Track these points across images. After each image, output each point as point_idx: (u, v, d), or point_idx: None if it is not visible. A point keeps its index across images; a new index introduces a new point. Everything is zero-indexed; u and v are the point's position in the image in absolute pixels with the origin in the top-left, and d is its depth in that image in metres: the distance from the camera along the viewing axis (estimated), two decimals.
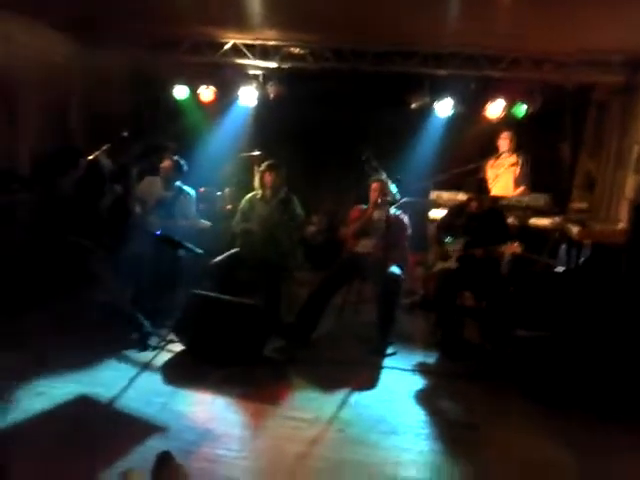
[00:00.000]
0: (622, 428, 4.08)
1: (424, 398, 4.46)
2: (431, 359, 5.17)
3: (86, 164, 5.77)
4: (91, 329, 5.02)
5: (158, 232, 5.52)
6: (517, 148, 6.89)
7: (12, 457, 3.20)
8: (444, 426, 4.04)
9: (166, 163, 6.05)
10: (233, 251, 5.61)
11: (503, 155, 6.89)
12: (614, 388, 4.33)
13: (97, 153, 6.10)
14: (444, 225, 5.71)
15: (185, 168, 6.12)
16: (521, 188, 6.68)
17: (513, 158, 6.85)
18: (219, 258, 5.49)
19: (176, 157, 6.15)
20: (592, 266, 5.20)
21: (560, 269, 5.87)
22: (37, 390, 4.06)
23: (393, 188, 5.74)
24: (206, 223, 6.20)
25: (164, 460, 3.07)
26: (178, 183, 6.07)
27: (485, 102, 7.12)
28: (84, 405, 3.97)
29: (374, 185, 5.68)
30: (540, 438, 3.89)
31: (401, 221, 5.72)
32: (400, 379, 4.73)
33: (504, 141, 6.86)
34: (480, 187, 5.57)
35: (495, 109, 7.06)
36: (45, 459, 3.32)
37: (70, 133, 7.44)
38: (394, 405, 4.25)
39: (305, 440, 3.67)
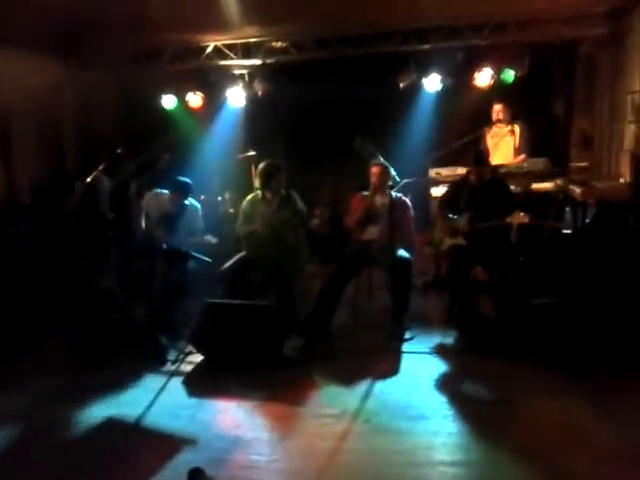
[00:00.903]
0: None
1: (447, 379, 4.48)
2: (449, 338, 5.18)
3: (82, 187, 5.78)
4: (107, 349, 5.03)
5: (165, 246, 5.54)
6: (514, 117, 6.82)
7: None
8: (471, 405, 4.05)
9: (173, 196, 5.87)
10: (241, 255, 5.59)
11: (500, 124, 6.84)
12: (633, 345, 4.32)
13: (95, 174, 6.11)
14: (446, 201, 5.68)
15: (191, 188, 5.93)
16: (521, 157, 6.64)
17: (511, 127, 6.80)
18: (228, 264, 5.47)
19: (182, 180, 5.96)
20: (599, 225, 5.17)
21: (567, 231, 5.84)
22: (64, 417, 4.07)
23: (392, 171, 5.71)
24: (212, 240, 6.07)
25: (195, 477, 3.09)
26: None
27: (473, 72, 7.07)
28: (111, 427, 3.99)
29: (373, 169, 5.64)
30: (568, 404, 3.90)
31: (404, 203, 5.69)
32: (421, 362, 4.74)
33: (498, 113, 6.79)
34: (478, 158, 5.52)
35: (483, 78, 7.01)
36: None
37: (66, 156, 7.47)
38: (418, 389, 4.26)
39: (334, 435, 3.68)
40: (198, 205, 6.10)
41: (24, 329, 5.32)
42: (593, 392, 4.01)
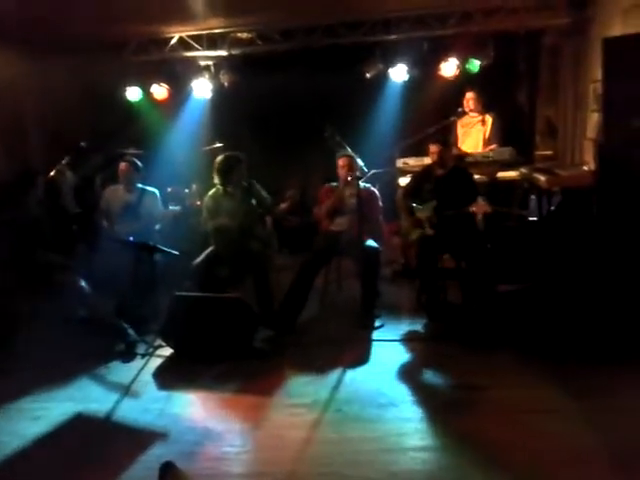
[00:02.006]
0: (615, 367, 4.16)
1: (417, 366, 4.53)
2: (419, 326, 5.22)
3: (47, 179, 5.70)
4: (76, 345, 4.97)
5: (131, 238, 5.50)
6: (486, 107, 6.86)
7: None
8: (440, 391, 4.11)
9: (122, 166, 6.00)
10: (210, 250, 5.54)
11: (472, 113, 6.87)
12: (600, 329, 4.40)
13: (58, 167, 6.03)
14: (409, 191, 5.71)
15: (141, 167, 6.08)
16: (492, 147, 6.67)
17: (482, 117, 6.83)
18: (198, 259, 5.43)
19: (130, 158, 6.10)
20: (564, 212, 5.25)
21: (533, 219, 5.92)
22: (32, 414, 4.02)
23: (359, 161, 5.72)
24: (174, 209, 6.17)
25: (166, 470, 3.07)
26: (140, 185, 6.06)
27: (439, 62, 7.10)
28: (81, 423, 3.94)
29: (341, 161, 5.65)
30: (535, 390, 3.95)
31: (372, 194, 5.72)
32: (391, 350, 4.77)
33: (470, 101, 6.80)
34: (443, 141, 5.58)
35: (449, 68, 7.05)
36: None
37: (29, 150, 7.34)
38: (388, 377, 4.29)
39: (306, 425, 3.69)
40: (155, 190, 6.13)
41: None
42: (560, 377, 4.06)
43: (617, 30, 5.69)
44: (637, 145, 4.53)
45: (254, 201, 5.52)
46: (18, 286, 4.95)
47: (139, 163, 6.08)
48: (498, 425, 3.57)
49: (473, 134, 6.87)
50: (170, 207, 6.19)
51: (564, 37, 7.07)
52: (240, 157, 5.55)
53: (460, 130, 6.94)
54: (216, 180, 5.55)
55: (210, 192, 5.69)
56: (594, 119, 6.19)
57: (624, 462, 3.13)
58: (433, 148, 5.48)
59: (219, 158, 5.58)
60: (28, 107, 7.33)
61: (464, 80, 7.13)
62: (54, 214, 5.24)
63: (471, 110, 6.81)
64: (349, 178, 5.53)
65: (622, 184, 4.60)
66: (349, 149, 5.86)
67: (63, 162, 6.03)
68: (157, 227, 6.08)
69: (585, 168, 5.74)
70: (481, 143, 6.78)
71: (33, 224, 5.01)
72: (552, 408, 3.71)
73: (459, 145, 6.83)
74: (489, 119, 6.78)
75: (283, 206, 7.90)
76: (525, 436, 3.42)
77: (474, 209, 5.08)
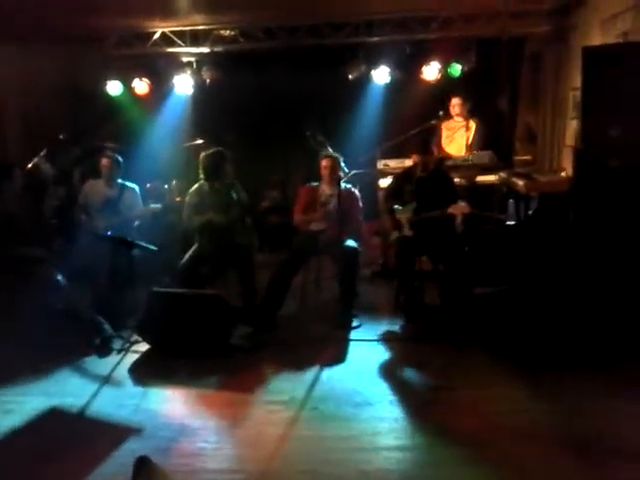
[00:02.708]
0: (585, 371, 4.21)
1: (393, 366, 4.55)
2: (396, 327, 5.25)
3: (22, 173, 5.64)
4: (51, 339, 4.91)
5: (109, 233, 5.47)
6: (469, 113, 6.90)
7: None
8: (415, 391, 4.14)
9: (105, 161, 5.97)
10: (193, 249, 5.49)
11: (456, 118, 6.92)
12: (573, 333, 4.47)
13: (35, 160, 5.97)
14: (390, 193, 5.74)
15: (122, 163, 6.05)
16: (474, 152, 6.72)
17: (466, 123, 6.86)
18: (185, 259, 5.39)
19: (112, 154, 6.07)
20: (541, 217, 5.32)
21: (511, 223, 5.99)
22: (5, 407, 3.98)
23: (341, 162, 5.75)
24: (155, 206, 6.14)
25: (141, 465, 3.06)
26: (120, 180, 6.04)
27: (421, 65, 7.15)
28: (55, 417, 3.91)
29: (324, 162, 5.66)
30: (510, 391, 4.00)
31: (352, 194, 5.75)
32: (368, 350, 4.79)
33: (455, 106, 6.84)
34: (423, 148, 5.59)
35: (431, 72, 7.11)
36: (22, 478, 3.28)
37: (8, 142, 7.26)
38: (365, 376, 4.31)
39: (282, 422, 3.69)
40: (135, 186, 6.12)
41: None
42: (531, 380, 4.11)
43: (597, 39, 5.80)
44: (614, 153, 4.60)
45: (237, 199, 5.51)
46: None
47: (120, 158, 6.04)
48: (471, 425, 3.60)
49: (457, 139, 6.92)
50: (150, 204, 6.15)
51: (545, 44, 7.18)
52: (226, 153, 5.56)
53: (445, 133, 6.99)
54: (202, 176, 5.54)
55: (193, 188, 5.67)
56: (573, 126, 6.28)
57: (590, 459, 3.19)
58: (415, 158, 5.51)
59: (205, 154, 5.57)
60: (7, 99, 7.25)
61: (446, 84, 7.19)
62: (32, 205, 5.18)
63: (457, 115, 6.86)
64: (330, 178, 5.54)
65: (598, 191, 4.68)
66: (330, 149, 5.88)
67: (41, 154, 5.98)
68: (136, 223, 6.05)
69: (563, 174, 5.83)
70: (464, 149, 6.83)
71: (9, 217, 4.95)
72: (522, 408, 3.75)
73: (443, 148, 6.88)
74: (473, 125, 6.83)
75: (265, 204, 7.90)
76: (498, 435, 3.46)
77: (453, 210, 5.12)
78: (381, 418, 3.71)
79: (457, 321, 5.03)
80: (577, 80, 5.46)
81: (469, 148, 6.80)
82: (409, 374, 4.43)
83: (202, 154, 5.59)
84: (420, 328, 5.18)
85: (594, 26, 5.96)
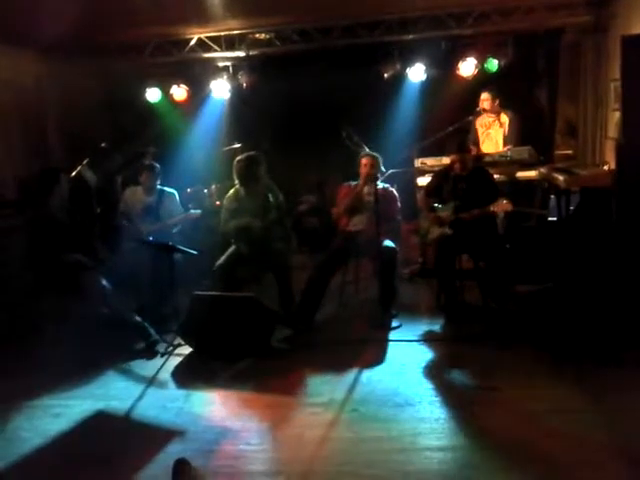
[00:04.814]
0: (632, 368, 4.14)
1: (434, 366, 4.51)
2: (436, 326, 5.22)
3: (69, 179, 5.76)
4: (98, 343, 5.03)
5: (150, 238, 5.57)
6: (502, 106, 6.81)
7: None
8: (457, 391, 4.10)
9: (142, 177, 6.10)
10: (232, 250, 5.55)
11: (489, 114, 6.83)
12: (618, 329, 4.37)
13: (79, 168, 6.09)
14: (430, 190, 5.71)
15: (159, 169, 6.14)
16: (509, 147, 6.61)
17: (497, 117, 6.80)
18: (221, 260, 5.46)
19: (149, 162, 6.19)
20: (583, 212, 5.21)
21: (553, 219, 5.88)
22: (53, 411, 4.09)
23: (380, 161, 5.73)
24: (196, 212, 6.24)
25: (180, 467, 3.11)
26: (159, 186, 6.13)
27: (457, 62, 7.07)
28: (101, 420, 4.00)
29: (364, 160, 5.65)
30: (554, 391, 3.93)
31: (390, 193, 5.73)
32: (408, 350, 4.77)
33: (484, 102, 6.74)
34: (460, 146, 5.54)
35: (467, 68, 7.00)
36: None
37: (50, 152, 7.44)
38: (405, 377, 4.29)
39: (322, 424, 3.70)
40: (174, 191, 6.21)
41: (12, 325, 5.31)
42: (579, 378, 4.04)
43: (638, 28, 5.63)
44: None
45: (274, 203, 5.54)
46: (41, 285, 5.04)
47: (157, 166, 6.14)
48: (514, 425, 3.57)
49: (492, 135, 6.84)
50: (190, 209, 6.23)
51: (584, 35, 7.00)
52: (260, 157, 5.59)
53: (480, 130, 6.92)
54: (237, 180, 5.58)
55: (230, 192, 5.73)
56: (615, 118, 6.13)
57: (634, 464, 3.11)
58: (453, 157, 5.46)
59: (239, 158, 5.61)
60: (49, 109, 7.43)
61: (483, 80, 7.08)
62: (78, 213, 5.29)
63: (486, 111, 6.78)
64: (369, 177, 5.53)
65: None
66: (367, 149, 5.87)
67: (84, 163, 6.11)
68: (177, 228, 6.14)
69: (605, 168, 5.70)
70: (501, 143, 6.75)
71: (56, 224, 5.06)
72: (569, 408, 3.69)
73: (480, 145, 6.80)
74: (505, 119, 6.74)
75: (302, 207, 7.92)
76: (541, 436, 3.41)
77: (495, 208, 5.06)
78: (422, 419, 3.69)
79: (499, 320, 4.98)
80: (617, 70, 5.32)
81: (506, 142, 6.71)
82: (450, 374, 4.39)
83: (235, 160, 5.63)
84: (461, 328, 5.14)
85: (636, 15, 5.81)
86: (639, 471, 3.06)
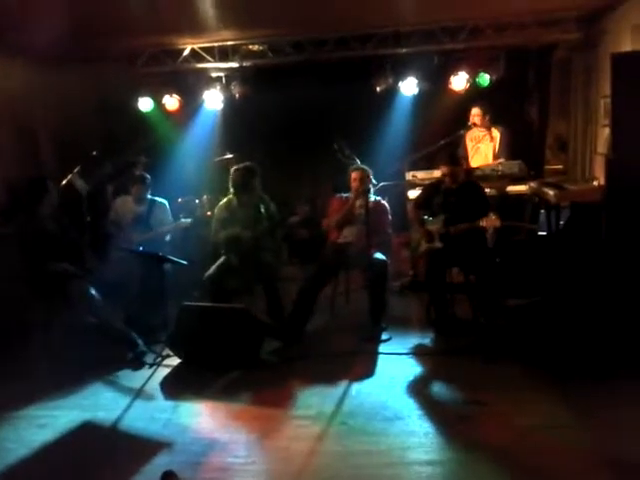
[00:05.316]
0: (620, 383, 4.14)
1: (423, 380, 4.51)
2: (426, 340, 5.22)
3: (59, 188, 5.74)
4: (84, 353, 4.99)
5: (140, 248, 5.55)
6: (493, 122, 6.85)
7: None
8: (446, 405, 4.09)
9: (134, 189, 6.09)
10: (221, 260, 5.54)
11: (479, 129, 6.87)
12: (607, 344, 4.38)
13: (69, 176, 6.07)
14: (420, 203, 5.73)
15: (150, 180, 6.14)
16: (500, 160, 6.65)
17: (488, 132, 6.84)
18: (211, 270, 5.45)
19: (140, 173, 6.19)
20: (573, 227, 5.24)
21: (543, 234, 5.91)
22: (39, 422, 4.04)
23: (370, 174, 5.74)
24: (186, 221, 6.22)
25: (167, 479, 3.08)
26: (149, 196, 6.12)
27: (449, 76, 7.11)
28: (87, 431, 3.96)
29: (354, 174, 5.66)
30: (542, 405, 3.94)
31: (381, 206, 5.74)
32: (398, 364, 4.76)
33: (476, 117, 6.78)
34: (452, 159, 5.55)
35: (459, 82, 7.05)
36: None
37: (42, 160, 7.42)
38: (394, 391, 4.28)
39: (311, 437, 3.68)
40: (165, 201, 6.20)
41: None
42: (567, 393, 4.05)
43: (627, 45, 5.71)
44: None
45: (266, 214, 5.54)
46: (28, 295, 5.00)
47: (148, 177, 6.13)
48: (503, 440, 3.56)
49: (482, 149, 6.88)
50: (181, 219, 6.23)
51: (575, 52, 7.09)
52: (255, 168, 5.60)
53: (469, 144, 6.95)
54: (232, 190, 5.58)
55: (222, 202, 5.72)
56: (605, 134, 6.18)
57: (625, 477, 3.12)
58: (444, 169, 5.48)
59: (235, 168, 5.62)
60: (41, 117, 7.41)
61: (474, 94, 7.13)
62: (68, 222, 5.27)
63: (477, 126, 6.81)
64: (360, 190, 5.53)
65: (631, 200, 4.59)
66: (358, 161, 5.88)
67: (75, 171, 6.09)
68: (167, 238, 6.12)
69: (595, 183, 5.74)
70: (491, 157, 6.78)
71: (45, 233, 5.04)
72: (557, 424, 3.69)
73: (469, 160, 6.83)
74: (497, 134, 6.79)
75: (294, 219, 7.92)
76: (530, 451, 3.40)
77: (484, 224, 5.07)
78: (411, 432, 3.67)
79: (489, 334, 4.98)
80: (608, 87, 5.37)
81: (496, 157, 6.74)
82: (440, 388, 4.38)
83: (232, 169, 5.64)
84: (451, 341, 5.13)
85: (625, 32, 5.88)
86: None
